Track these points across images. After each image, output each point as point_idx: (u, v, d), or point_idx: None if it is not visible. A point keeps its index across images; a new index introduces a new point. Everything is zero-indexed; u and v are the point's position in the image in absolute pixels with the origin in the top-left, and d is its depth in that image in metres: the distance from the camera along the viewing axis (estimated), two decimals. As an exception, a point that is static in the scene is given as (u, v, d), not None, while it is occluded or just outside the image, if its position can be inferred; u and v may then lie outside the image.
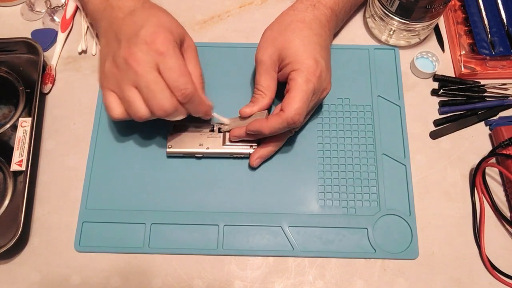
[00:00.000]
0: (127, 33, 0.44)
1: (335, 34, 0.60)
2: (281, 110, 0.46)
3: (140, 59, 0.43)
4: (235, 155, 0.52)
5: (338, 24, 0.56)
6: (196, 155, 0.52)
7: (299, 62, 0.47)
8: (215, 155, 0.52)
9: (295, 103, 0.45)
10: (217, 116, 0.51)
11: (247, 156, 0.52)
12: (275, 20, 0.51)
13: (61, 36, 0.60)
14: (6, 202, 0.51)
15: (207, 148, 0.52)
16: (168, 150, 0.52)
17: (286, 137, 0.52)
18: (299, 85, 0.46)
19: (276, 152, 0.53)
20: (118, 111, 0.46)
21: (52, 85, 0.57)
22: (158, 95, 0.43)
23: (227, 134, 0.52)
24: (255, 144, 0.52)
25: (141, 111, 0.45)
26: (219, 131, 0.52)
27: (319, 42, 0.49)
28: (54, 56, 0.59)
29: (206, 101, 0.49)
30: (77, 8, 0.62)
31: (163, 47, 0.43)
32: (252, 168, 0.52)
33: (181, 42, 0.47)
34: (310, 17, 0.50)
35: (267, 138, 0.51)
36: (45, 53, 0.59)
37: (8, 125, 0.54)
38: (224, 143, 0.52)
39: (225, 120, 0.51)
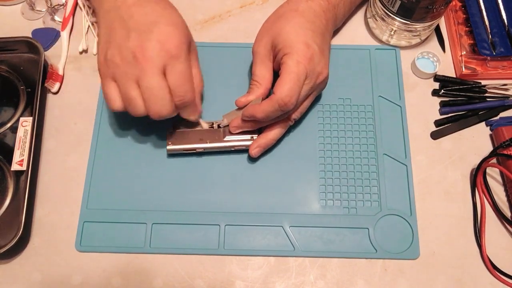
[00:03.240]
0: (138, 24, 0.44)
1: (337, 34, 0.60)
2: (273, 93, 0.46)
3: (150, 58, 0.42)
4: (236, 148, 0.52)
5: (338, 17, 0.55)
6: (197, 150, 0.52)
7: (289, 46, 0.47)
8: (216, 149, 0.52)
9: (286, 85, 0.45)
10: (201, 121, 0.52)
11: (247, 150, 0.52)
12: (271, 13, 0.52)
13: (64, 35, 0.59)
14: (7, 202, 0.51)
15: (208, 142, 0.52)
16: (168, 147, 0.51)
17: (285, 126, 0.51)
18: (289, 68, 0.45)
19: (277, 152, 0.53)
20: (118, 103, 0.45)
21: (61, 84, 0.57)
22: (159, 101, 0.43)
23: (227, 129, 0.52)
24: (255, 135, 0.52)
25: (140, 110, 0.45)
26: (219, 127, 0.52)
27: (312, 28, 0.48)
28: (62, 54, 0.59)
29: (199, 106, 0.49)
30: (75, 5, 0.61)
31: (176, 50, 0.43)
32: (253, 167, 0.52)
33: (190, 44, 0.47)
34: (304, 6, 0.50)
35: (266, 128, 0.51)
36: (46, 53, 0.59)
37: (9, 125, 0.54)
38: (224, 137, 0.52)
39: (205, 125, 0.52)
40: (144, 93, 0.43)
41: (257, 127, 0.51)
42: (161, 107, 0.44)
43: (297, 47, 0.46)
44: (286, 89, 0.45)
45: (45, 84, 0.55)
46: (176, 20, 0.45)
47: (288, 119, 0.50)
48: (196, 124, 0.53)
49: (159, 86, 0.43)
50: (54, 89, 0.56)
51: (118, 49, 0.44)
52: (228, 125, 0.52)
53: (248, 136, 0.52)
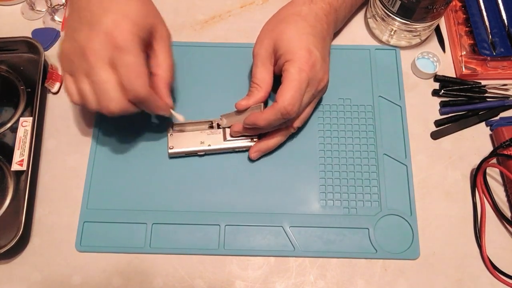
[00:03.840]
0: (90, 15, 0.42)
1: (337, 34, 0.60)
2: (275, 101, 0.46)
3: (96, 51, 0.41)
4: (237, 149, 0.52)
5: (339, 19, 0.55)
6: (198, 153, 0.52)
7: (291, 52, 0.46)
8: (217, 151, 0.52)
9: (288, 92, 0.45)
10: (175, 114, 0.49)
11: (248, 150, 0.52)
12: (273, 15, 0.52)
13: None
14: (7, 202, 0.51)
15: (209, 145, 0.52)
16: (170, 151, 0.52)
17: (286, 133, 0.51)
18: (291, 75, 0.45)
19: (277, 152, 0.53)
20: (76, 97, 0.44)
21: (61, 84, 0.57)
22: (107, 95, 0.42)
23: (227, 129, 0.52)
24: (256, 137, 0.52)
25: (92, 105, 0.43)
26: (218, 127, 0.52)
27: (314, 33, 0.48)
28: None
29: (167, 99, 0.47)
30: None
31: (122, 42, 0.41)
32: (253, 168, 0.52)
33: (150, 33, 0.44)
34: (306, 10, 0.50)
35: (268, 134, 0.51)
36: (46, 53, 0.59)
37: (8, 125, 0.54)
38: (225, 139, 0.52)
39: (180, 117, 0.49)
40: (93, 88, 0.42)
41: (259, 133, 0.51)
42: (110, 102, 0.42)
43: (299, 54, 0.46)
44: (289, 97, 0.45)
45: (45, 84, 0.55)
46: (129, 8, 0.42)
47: (290, 127, 0.50)
48: (194, 124, 0.53)
49: (106, 80, 0.41)
50: (54, 89, 0.56)
51: (70, 43, 0.43)
52: (227, 126, 0.52)
53: (248, 138, 0.52)
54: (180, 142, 0.52)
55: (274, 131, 0.50)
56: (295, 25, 0.48)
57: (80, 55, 0.41)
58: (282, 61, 0.47)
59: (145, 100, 0.43)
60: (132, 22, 0.42)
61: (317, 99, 0.51)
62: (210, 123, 0.53)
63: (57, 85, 0.56)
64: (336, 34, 0.60)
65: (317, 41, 0.48)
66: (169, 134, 0.52)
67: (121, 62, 0.41)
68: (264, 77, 0.49)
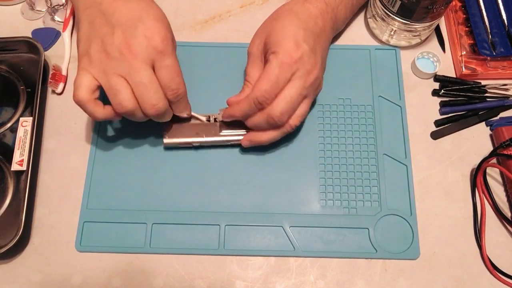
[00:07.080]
0: (121, 20, 0.43)
1: (337, 34, 0.60)
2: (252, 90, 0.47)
3: (138, 54, 0.42)
4: (232, 142, 0.52)
5: (339, 19, 0.55)
6: (194, 145, 0.52)
7: (278, 44, 0.46)
8: (212, 143, 0.52)
9: (263, 85, 0.45)
10: (195, 114, 0.52)
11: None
12: (268, 16, 0.52)
13: (66, 35, 0.59)
14: (7, 202, 0.51)
15: (204, 135, 0.52)
16: (165, 141, 0.51)
17: (282, 131, 0.49)
18: (272, 68, 0.45)
19: (277, 152, 0.53)
20: (83, 92, 0.43)
21: (65, 85, 0.57)
22: (152, 94, 0.43)
23: (223, 123, 0.52)
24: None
25: (127, 102, 0.43)
26: (215, 120, 0.53)
27: (304, 27, 0.48)
28: (65, 55, 0.59)
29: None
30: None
31: (163, 45, 0.43)
32: (253, 167, 0.53)
33: (173, 39, 0.47)
34: (298, 7, 0.50)
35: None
36: (46, 53, 0.59)
37: (9, 125, 0.54)
38: (220, 131, 0.52)
39: (203, 118, 0.52)
40: (136, 89, 0.43)
41: (247, 124, 0.50)
42: (156, 100, 0.44)
43: (286, 46, 0.46)
44: (263, 90, 0.45)
45: (48, 85, 0.55)
46: (160, 15, 0.45)
47: (287, 125, 0.48)
48: (190, 118, 0.53)
49: (150, 79, 0.43)
50: (58, 90, 0.56)
51: (102, 46, 0.43)
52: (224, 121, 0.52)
53: (243, 131, 0.52)
54: (175, 133, 0.52)
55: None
56: (285, 20, 0.49)
57: (118, 57, 0.42)
58: (269, 54, 0.47)
59: (183, 97, 0.47)
60: (166, 27, 0.45)
61: (312, 96, 0.49)
62: (207, 117, 0.53)
63: (61, 85, 0.56)
64: (336, 34, 0.60)
65: (308, 35, 0.48)
66: (165, 126, 0.52)
67: (164, 64, 0.43)
68: (256, 74, 0.49)
